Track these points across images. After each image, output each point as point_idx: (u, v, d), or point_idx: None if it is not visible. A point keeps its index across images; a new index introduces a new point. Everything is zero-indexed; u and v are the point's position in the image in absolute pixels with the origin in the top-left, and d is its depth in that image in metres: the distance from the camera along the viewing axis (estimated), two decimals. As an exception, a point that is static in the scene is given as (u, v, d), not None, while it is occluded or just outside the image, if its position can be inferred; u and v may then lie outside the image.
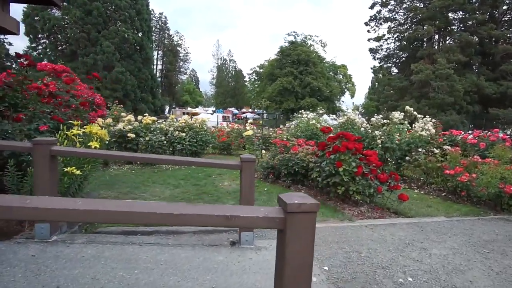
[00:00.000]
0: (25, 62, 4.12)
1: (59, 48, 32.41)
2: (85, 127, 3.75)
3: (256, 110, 68.79)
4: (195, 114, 43.87)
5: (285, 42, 50.44)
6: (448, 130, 9.54)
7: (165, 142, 8.85)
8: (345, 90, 61.61)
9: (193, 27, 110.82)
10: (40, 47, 31.91)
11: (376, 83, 36.78)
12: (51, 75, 8.52)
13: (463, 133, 9.38)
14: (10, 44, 39.93)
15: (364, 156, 4.81)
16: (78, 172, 3.32)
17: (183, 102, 67.72)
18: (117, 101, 12.42)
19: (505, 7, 29.26)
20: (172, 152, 9.00)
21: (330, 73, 56.33)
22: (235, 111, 58.86)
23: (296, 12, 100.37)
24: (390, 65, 34.28)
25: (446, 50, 26.50)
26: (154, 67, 58.68)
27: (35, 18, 30.44)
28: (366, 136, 7.66)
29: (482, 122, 22.33)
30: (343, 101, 60.57)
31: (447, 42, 29.60)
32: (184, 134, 8.98)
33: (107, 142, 4.80)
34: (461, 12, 29.50)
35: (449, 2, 25.90)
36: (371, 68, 35.29)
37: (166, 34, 61.71)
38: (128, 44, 34.51)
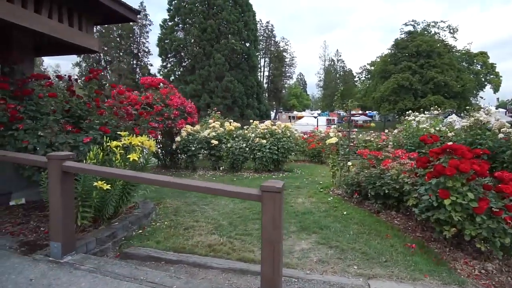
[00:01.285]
0: (90, 75, 4.30)
1: (182, 64, 37.75)
2: (124, 138, 3.56)
3: (367, 112, 63.12)
4: (300, 117, 43.53)
5: (401, 34, 44.38)
6: None
7: (246, 149, 8.52)
8: (485, 83, 49.41)
9: (301, 30, 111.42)
10: (169, 65, 37.96)
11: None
12: (152, 88, 9.50)
13: None
14: (151, 65, 49.23)
15: (494, 182, 3.04)
16: (107, 186, 3.10)
17: (290, 106, 68.55)
18: (223, 109, 13.08)
19: None
20: (253, 159, 8.58)
21: (463, 63, 46.29)
22: (343, 113, 55.55)
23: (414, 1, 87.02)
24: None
25: None
26: (262, 73, 61.77)
27: (166, 41, 36.40)
28: (507, 147, 5.26)
29: None
30: (481, 97, 48.87)
31: None
32: (264, 141, 8.43)
33: (153, 152, 4.61)
34: None
35: None
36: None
37: (272, 41, 64.02)
38: (236, 54, 37.17)
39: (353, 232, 4.04)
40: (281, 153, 8.42)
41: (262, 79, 60.70)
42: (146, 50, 51.65)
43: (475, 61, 48.39)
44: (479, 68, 49.06)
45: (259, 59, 58.39)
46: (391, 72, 39.93)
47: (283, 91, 66.53)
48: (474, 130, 5.94)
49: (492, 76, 49.79)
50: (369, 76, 53.85)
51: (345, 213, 4.89)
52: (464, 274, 2.92)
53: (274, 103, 60.65)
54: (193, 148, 8.57)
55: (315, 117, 38.69)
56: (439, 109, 8.87)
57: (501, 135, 5.59)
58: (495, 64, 49.29)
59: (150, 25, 51.70)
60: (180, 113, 8.95)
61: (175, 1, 36.05)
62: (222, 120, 10.37)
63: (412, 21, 44.88)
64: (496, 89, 51.04)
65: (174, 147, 8.71)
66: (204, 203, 5.42)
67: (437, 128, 7.21)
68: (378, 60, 47.89)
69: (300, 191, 6.56)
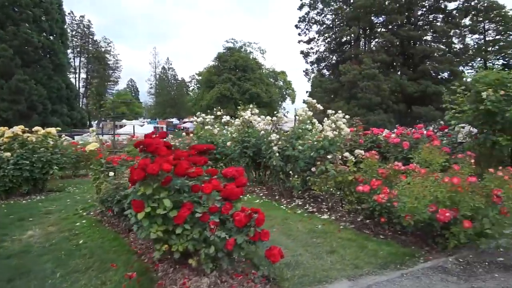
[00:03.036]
0: None
1: None
2: None
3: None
4: (123, 126, 39.24)
5: (224, 49, 48.61)
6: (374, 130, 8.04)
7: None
8: (286, 96, 61.77)
9: (134, 37, 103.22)
10: None
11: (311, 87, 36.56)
12: None
13: (386, 131, 7.93)
14: None
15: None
16: None
17: (119, 114, 61.31)
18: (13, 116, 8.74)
19: (420, 12, 31.17)
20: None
21: (270, 79, 55.84)
22: (176, 121, 54.89)
23: (236, 20, 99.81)
24: (321, 67, 34.32)
25: (371, 51, 26.93)
26: (77, 76, 52.16)
27: None
28: (262, 141, 5.60)
29: (407, 120, 22.63)
30: (284, 108, 60.60)
31: (372, 43, 30.43)
32: (9, 153, 6.00)
33: None
34: (383, 16, 30.69)
35: (370, 2, 26.39)
36: (304, 71, 34.97)
37: (90, 40, 55.47)
38: (34, 48, 29.13)
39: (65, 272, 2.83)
40: (38, 168, 6.24)
41: (77, 82, 51.24)
42: None
43: (278, 78, 59.58)
44: (281, 83, 60.77)
45: (71, 58, 49.05)
46: (215, 82, 42.85)
47: (110, 97, 58.80)
48: (242, 129, 6.17)
49: (290, 91, 62.96)
50: (198, 85, 56.07)
51: (81, 241, 3.64)
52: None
53: (93, 108, 52.31)
54: None
55: (141, 125, 36.02)
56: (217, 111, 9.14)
57: (262, 132, 5.96)
58: (291, 81, 62.62)
59: None
60: None
61: None
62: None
63: (232, 39, 50.01)
64: (293, 101, 65.05)
65: None
66: None
67: (218, 130, 7.25)
68: (205, 70, 50.50)
69: (48, 217, 4.80)
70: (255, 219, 2.50)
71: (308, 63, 35.29)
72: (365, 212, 4.19)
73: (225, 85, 41.53)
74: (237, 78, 43.36)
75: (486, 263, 2.93)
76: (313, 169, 5.00)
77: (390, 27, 30.76)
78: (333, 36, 30.74)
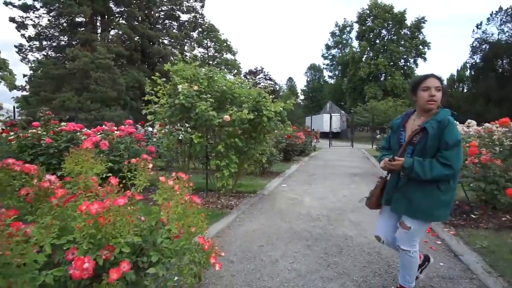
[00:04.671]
0: None
1: None
2: None
3: None
4: None
5: None
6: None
7: None
8: (-1, 81, 44.55)
9: None
10: None
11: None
12: None
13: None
14: None
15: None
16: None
17: None
18: None
19: (158, 14, 32.39)
20: None
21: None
22: None
23: None
24: (45, 47, 27.07)
25: (107, 40, 24.34)
26: None
27: None
28: None
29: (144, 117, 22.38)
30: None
31: (110, 32, 27.82)
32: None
33: None
34: (123, 7, 28.85)
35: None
36: (16, 47, 26.03)
37: None
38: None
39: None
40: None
41: None
42: None
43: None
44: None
45: None
46: None
47: None
48: None
49: (5, 73, 46.06)
50: None
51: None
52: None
53: None
54: None
55: None
56: None
57: None
58: (8, 60, 45.95)
59: None
60: None
61: None
62: None
63: None
64: (11, 88, 48.10)
65: None
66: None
67: None
68: None
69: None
70: None
71: (25, 38, 26.55)
72: None
73: None
74: None
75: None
76: None
77: (130, 21, 29.52)
78: (62, 11, 24.86)
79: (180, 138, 4.98)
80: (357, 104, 29.80)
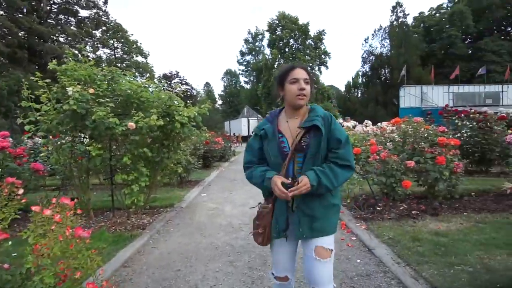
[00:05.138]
0: None
1: None
2: None
3: None
4: None
5: None
6: None
7: None
8: None
9: None
10: None
11: None
12: None
13: None
14: None
15: None
16: None
17: None
18: None
19: (49, 7, 27.88)
20: None
21: None
22: None
23: None
24: None
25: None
26: None
27: None
28: None
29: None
30: None
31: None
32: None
33: None
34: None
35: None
36: None
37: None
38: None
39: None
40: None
41: None
42: None
43: None
44: None
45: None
46: None
47: None
48: None
49: None
50: None
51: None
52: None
53: None
54: None
55: None
56: None
57: None
58: None
59: None
60: None
61: None
62: None
63: None
64: None
65: None
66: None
67: None
68: None
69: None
70: None
71: None
72: None
73: None
74: None
75: None
76: None
77: (11, 12, 24.48)
78: None
79: (72, 150, 4.13)
80: (271, 108, 31.28)
